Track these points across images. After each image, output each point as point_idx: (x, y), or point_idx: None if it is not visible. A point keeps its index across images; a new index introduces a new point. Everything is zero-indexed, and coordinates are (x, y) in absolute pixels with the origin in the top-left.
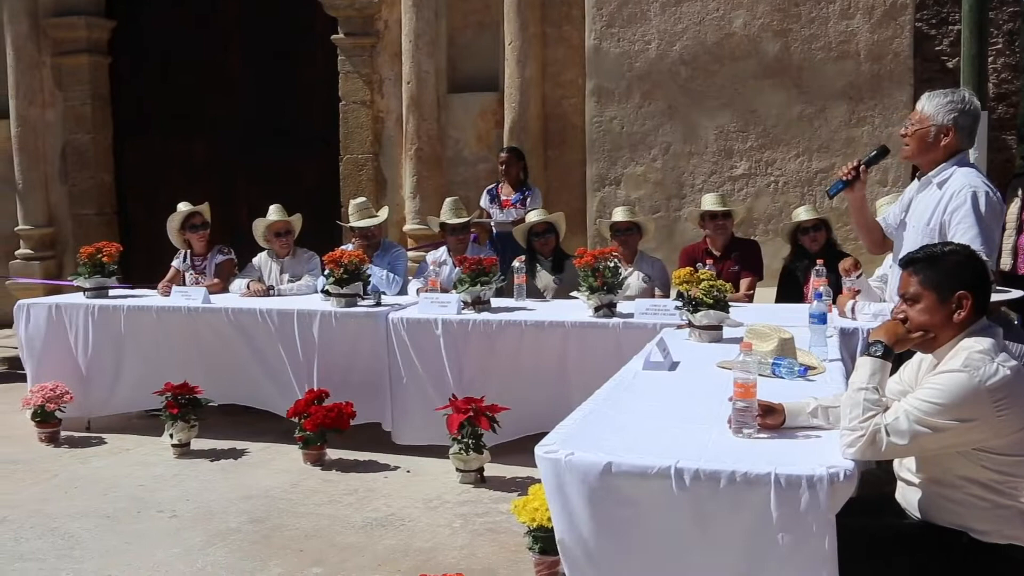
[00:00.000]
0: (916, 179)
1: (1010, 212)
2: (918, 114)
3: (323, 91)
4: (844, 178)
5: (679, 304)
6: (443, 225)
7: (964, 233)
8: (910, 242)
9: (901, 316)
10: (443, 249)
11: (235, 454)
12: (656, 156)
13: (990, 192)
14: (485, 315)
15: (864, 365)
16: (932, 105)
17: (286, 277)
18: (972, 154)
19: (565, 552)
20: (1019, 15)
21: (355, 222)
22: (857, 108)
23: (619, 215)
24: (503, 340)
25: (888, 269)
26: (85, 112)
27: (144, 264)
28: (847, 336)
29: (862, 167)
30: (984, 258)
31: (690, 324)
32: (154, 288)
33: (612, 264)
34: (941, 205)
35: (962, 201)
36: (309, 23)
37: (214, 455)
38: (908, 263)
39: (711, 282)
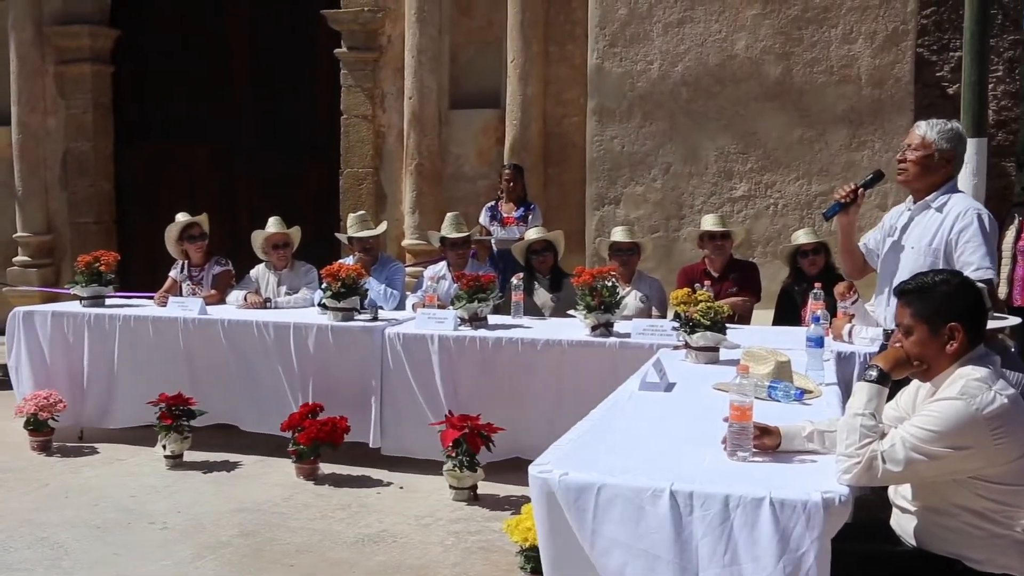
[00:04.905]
0: (909, 205)
1: (1006, 242)
2: (919, 139)
3: (325, 104)
4: (841, 200)
5: (676, 325)
6: (443, 239)
7: (974, 251)
8: (910, 262)
9: (899, 344)
10: (442, 264)
11: (228, 466)
12: (656, 176)
13: (989, 214)
14: (482, 332)
15: (861, 391)
16: (934, 132)
17: (283, 290)
18: (971, 179)
19: (551, 571)
20: (1020, 43)
21: (353, 232)
22: (857, 132)
23: (618, 235)
24: (499, 358)
25: None
26: (86, 120)
27: (142, 273)
28: (844, 360)
29: (860, 190)
30: (981, 284)
31: (687, 345)
32: (151, 297)
33: (610, 283)
34: (945, 226)
35: (969, 221)
36: (312, 35)
37: (207, 467)
38: (900, 294)
39: (709, 303)
